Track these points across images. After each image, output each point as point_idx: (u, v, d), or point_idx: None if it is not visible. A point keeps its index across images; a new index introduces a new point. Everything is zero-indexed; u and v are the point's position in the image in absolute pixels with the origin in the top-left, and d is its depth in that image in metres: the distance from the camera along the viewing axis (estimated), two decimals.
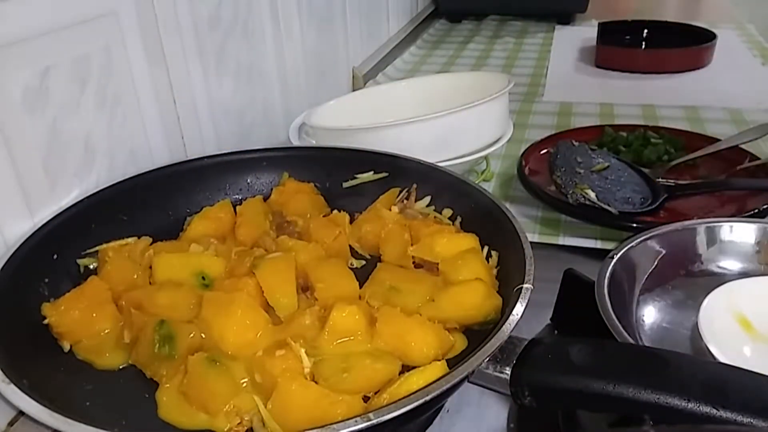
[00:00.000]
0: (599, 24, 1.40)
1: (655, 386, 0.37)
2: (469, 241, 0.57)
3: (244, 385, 0.44)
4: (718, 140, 0.86)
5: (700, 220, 0.60)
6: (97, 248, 0.56)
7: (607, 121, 1.00)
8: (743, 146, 0.83)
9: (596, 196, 0.68)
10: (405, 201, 0.65)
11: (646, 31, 1.45)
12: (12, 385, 0.38)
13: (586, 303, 0.50)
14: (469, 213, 0.60)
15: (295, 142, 0.82)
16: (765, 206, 0.68)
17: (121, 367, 0.47)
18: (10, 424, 0.50)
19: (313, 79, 1.01)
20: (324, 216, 0.64)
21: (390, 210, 0.63)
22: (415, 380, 0.41)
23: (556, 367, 0.41)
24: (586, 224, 0.73)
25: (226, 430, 0.42)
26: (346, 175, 0.68)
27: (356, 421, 0.35)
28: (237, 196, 0.66)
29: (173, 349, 0.45)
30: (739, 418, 0.35)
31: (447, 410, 0.51)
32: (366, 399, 0.43)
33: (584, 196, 0.68)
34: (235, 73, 0.81)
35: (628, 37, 1.43)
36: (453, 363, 0.44)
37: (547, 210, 0.76)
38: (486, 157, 0.86)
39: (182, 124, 0.72)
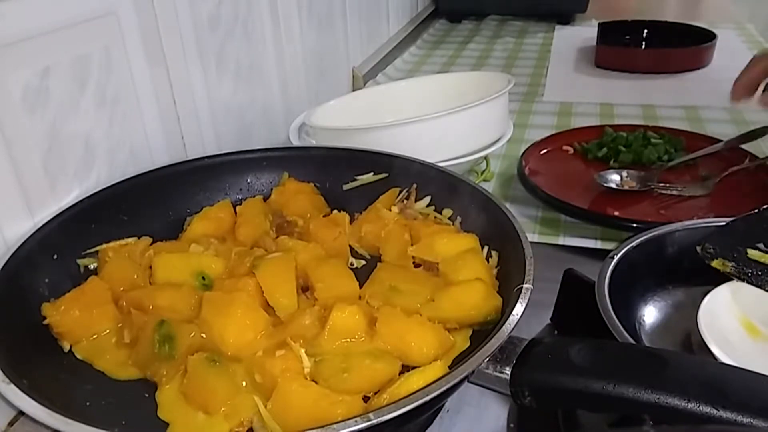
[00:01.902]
0: (599, 24, 1.40)
1: (655, 386, 0.37)
2: (469, 241, 0.57)
3: (244, 385, 0.44)
4: (718, 140, 0.86)
5: (699, 220, 0.60)
6: (97, 248, 0.56)
7: (607, 121, 1.00)
8: (743, 146, 0.83)
9: None
10: (405, 201, 0.65)
11: (646, 31, 1.45)
12: (12, 385, 0.38)
13: (586, 303, 0.50)
14: (469, 213, 0.60)
15: (295, 142, 0.82)
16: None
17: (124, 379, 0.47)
18: (10, 424, 0.49)
19: (313, 79, 1.01)
20: (324, 216, 0.64)
21: (390, 210, 0.63)
22: (415, 380, 0.41)
23: (556, 367, 0.41)
24: (586, 224, 0.73)
25: (226, 430, 0.42)
26: (346, 176, 0.68)
27: (356, 421, 0.35)
28: (237, 196, 0.66)
29: (173, 349, 0.45)
30: (739, 418, 0.35)
31: (447, 410, 0.51)
32: (366, 399, 0.43)
33: None
34: (235, 73, 0.81)
35: (628, 37, 1.43)
36: (453, 363, 0.45)
37: (547, 210, 0.76)
38: (486, 157, 0.86)
39: (182, 124, 0.72)
